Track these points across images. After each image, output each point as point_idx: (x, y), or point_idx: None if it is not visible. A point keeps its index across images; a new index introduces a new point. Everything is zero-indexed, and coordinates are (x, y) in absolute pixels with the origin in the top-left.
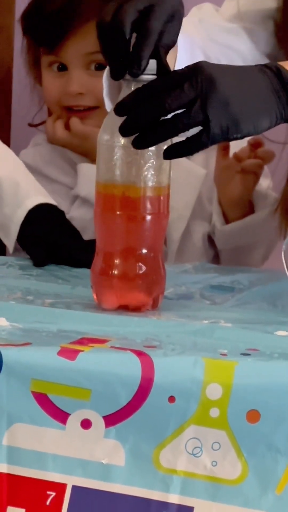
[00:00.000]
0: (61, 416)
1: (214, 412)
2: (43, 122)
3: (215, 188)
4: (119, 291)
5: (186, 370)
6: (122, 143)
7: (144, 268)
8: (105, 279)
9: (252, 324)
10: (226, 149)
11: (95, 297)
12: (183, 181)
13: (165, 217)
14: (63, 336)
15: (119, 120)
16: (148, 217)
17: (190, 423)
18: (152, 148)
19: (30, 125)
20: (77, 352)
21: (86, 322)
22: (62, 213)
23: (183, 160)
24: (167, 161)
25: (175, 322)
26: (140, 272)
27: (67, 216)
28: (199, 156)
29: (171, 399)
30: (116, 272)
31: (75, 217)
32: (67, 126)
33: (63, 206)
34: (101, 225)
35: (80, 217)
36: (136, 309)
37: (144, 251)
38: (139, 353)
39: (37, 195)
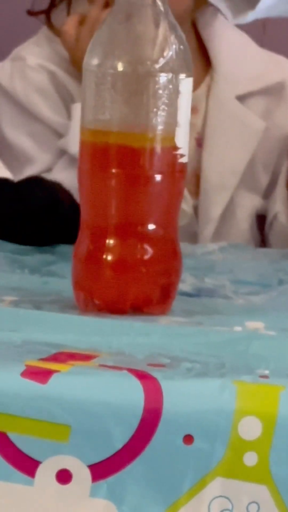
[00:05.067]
0: (28, 465)
1: (251, 459)
2: (46, 11)
3: (283, 159)
4: (114, 284)
5: (210, 399)
6: (121, 69)
7: (150, 251)
8: (93, 267)
9: None
10: None
11: (76, 293)
12: (232, 136)
13: (181, 179)
14: (30, 349)
15: (117, 35)
16: (158, 178)
17: (215, 475)
18: (163, 74)
19: (30, 12)
20: (50, 372)
21: (64, 329)
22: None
23: (233, 105)
24: (186, 95)
25: (193, 330)
26: (145, 256)
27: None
28: (258, 103)
29: (188, 439)
30: (109, 257)
31: (60, 181)
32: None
33: (43, 160)
34: (88, 189)
35: (69, 182)
36: (137, 309)
37: (150, 227)
38: (141, 375)
39: None
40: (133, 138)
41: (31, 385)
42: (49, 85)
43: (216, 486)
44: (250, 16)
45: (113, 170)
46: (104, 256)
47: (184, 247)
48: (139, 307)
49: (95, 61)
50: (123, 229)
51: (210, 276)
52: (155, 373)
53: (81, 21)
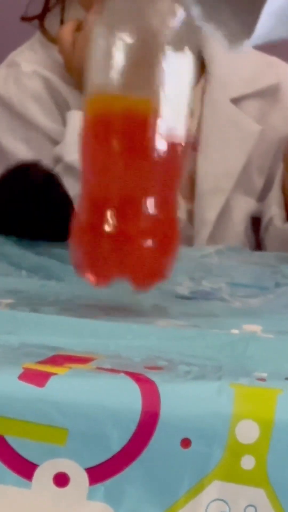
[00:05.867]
0: (25, 468)
1: (248, 462)
2: (40, 16)
3: (279, 162)
4: (117, 256)
5: (207, 402)
6: (130, 41)
7: (153, 221)
8: (94, 239)
9: None
10: None
11: (76, 267)
12: (227, 139)
13: (186, 149)
14: (27, 352)
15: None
16: (163, 147)
17: (213, 478)
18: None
19: (24, 18)
20: (47, 375)
21: (61, 332)
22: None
23: (227, 108)
24: (189, 68)
25: (191, 332)
26: (144, 229)
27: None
28: (253, 106)
29: (185, 442)
30: (110, 228)
31: None
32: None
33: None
34: (90, 158)
35: None
36: (142, 283)
37: (152, 197)
38: (139, 377)
39: None
40: (141, 104)
41: (29, 388)
42: (44, 92)
43: (213, 489)
44: (248, 43)
45: (117, 138)
46: (105, 227)
47: (180, 250)
48: (144, 282)
49: (103, 30)
50: (126, 200)
51: (207, 279)
52: (153, 376)
53: (78, 28)
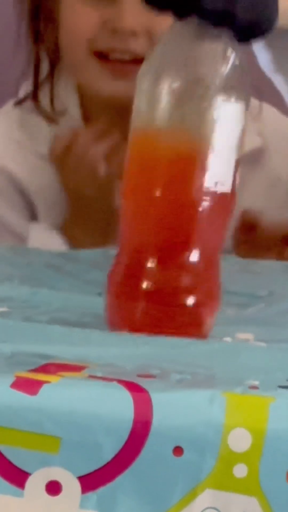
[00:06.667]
0: (17, 476)
1: (240, 470)
2: (33, 97)
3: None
4: (151, 312)
5: (199, 410)
6: (177, 86)
7: (192, 280)
8: (133, 292)
9: None
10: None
11: (110, 321)
12: None
13: (234, 205)
14: (19, 360)
15: (174, 52)
16: (210, 196)
17: (205, 486)
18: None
19: (18, 103)
20: (40, 383)
21: (54, 340)
22: None
23: None
24: (239, 116)
25: (183, 340)
26: (187, 285)
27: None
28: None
29: (177, 451)
30: (149, 283)
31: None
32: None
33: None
34: (130, 208)
35: None
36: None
37: (195, 250)
38: (131, 386)
39: None
40: (193, 146)
41: (21, 396)
42: (9, 188)
43: (206, 497)
44: None
45: (160, 187)
46: (142, 283)
47: None
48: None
49: (149, 78)
50: (166, 255)
51: None
52: (145, 384)
53: (68, 148)
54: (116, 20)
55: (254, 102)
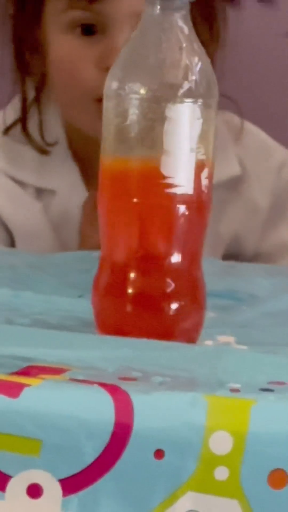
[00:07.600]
0: None
1: (222, 473)
2: (22, 126)
3: None
4: (136, 319)
5: (180, 413)
6: (143, 93)
7: (173, 285)
8: (116, 300)
9: (277, 346)
10: None
11: (98, 326)
12: None
13: (208, 207)
14: (0, 363)
15: (140, 56)
16: (183, 206)
17: (186, 489)
18: (189, 100)
19: (5, 132)
20: (21, 386)
21: (35, 343)
22: None
23: None
24: (212, 123)
25: (165, 343)
26: (168, 290)
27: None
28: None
29: (158, 454)
30: (132, 291)
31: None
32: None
33: None
34: (109, 220)
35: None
36: None
37: (175, 259)
38: (112, 388)
39: None
40: (158, 163)
41: (2, 399)
42: None
43: (187, 500)
44: None
45: (135, 199)
46: (126, 290)
47: None
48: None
49: (115, 84)
50: (145, 262)
51: None
52: (126, 387)
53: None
54: (111, 59)
55: (235, 120)
